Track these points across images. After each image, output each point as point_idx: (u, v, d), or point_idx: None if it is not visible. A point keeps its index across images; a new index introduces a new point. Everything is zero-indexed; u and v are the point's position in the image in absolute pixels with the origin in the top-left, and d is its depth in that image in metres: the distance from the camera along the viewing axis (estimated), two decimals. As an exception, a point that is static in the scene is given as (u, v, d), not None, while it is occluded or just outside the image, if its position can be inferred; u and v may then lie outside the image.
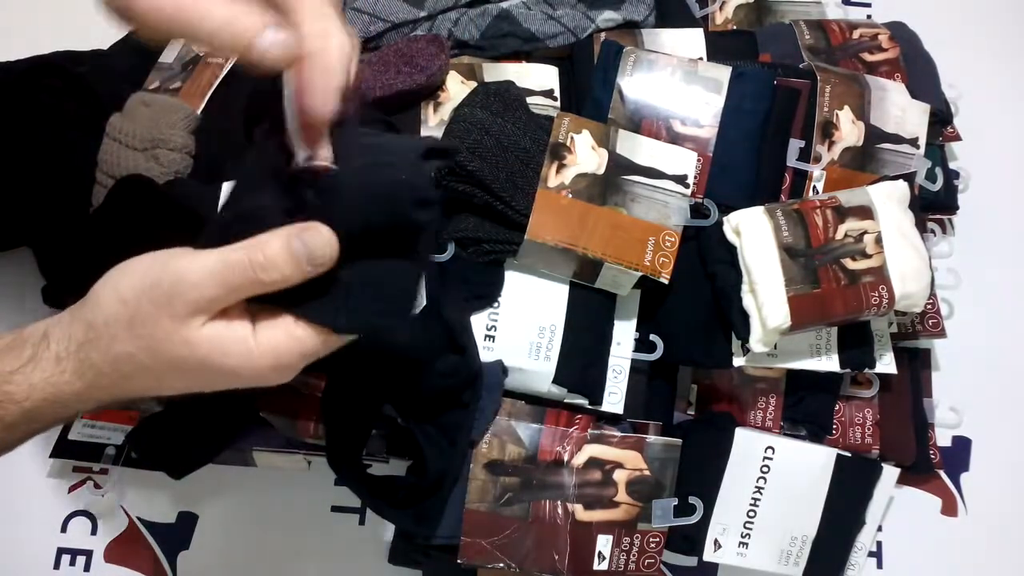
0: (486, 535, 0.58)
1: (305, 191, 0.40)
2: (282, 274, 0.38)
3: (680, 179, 0.61)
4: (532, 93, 0.66)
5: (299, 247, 0.38)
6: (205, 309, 0.38)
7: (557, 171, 0.59)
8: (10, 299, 0.71)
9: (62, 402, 0.39)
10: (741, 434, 0.63)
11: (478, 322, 0.60)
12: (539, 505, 0.59)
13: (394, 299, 0.43)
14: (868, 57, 0.71)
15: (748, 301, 0.60)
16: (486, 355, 0.59)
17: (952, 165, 0.77)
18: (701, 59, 0.69)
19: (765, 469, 0.63)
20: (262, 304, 0.39)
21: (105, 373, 0.39)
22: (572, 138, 0.60)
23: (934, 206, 0.73)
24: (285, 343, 0.39)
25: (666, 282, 0.58)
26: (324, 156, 0.41)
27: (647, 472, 0.59)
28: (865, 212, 0.62)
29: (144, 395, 0.40)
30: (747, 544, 0.64)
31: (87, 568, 0.67)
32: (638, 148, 0.61)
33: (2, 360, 0.39)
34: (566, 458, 0.59)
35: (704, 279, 0.63)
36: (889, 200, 0.62)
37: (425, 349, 0.55)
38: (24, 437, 0.41)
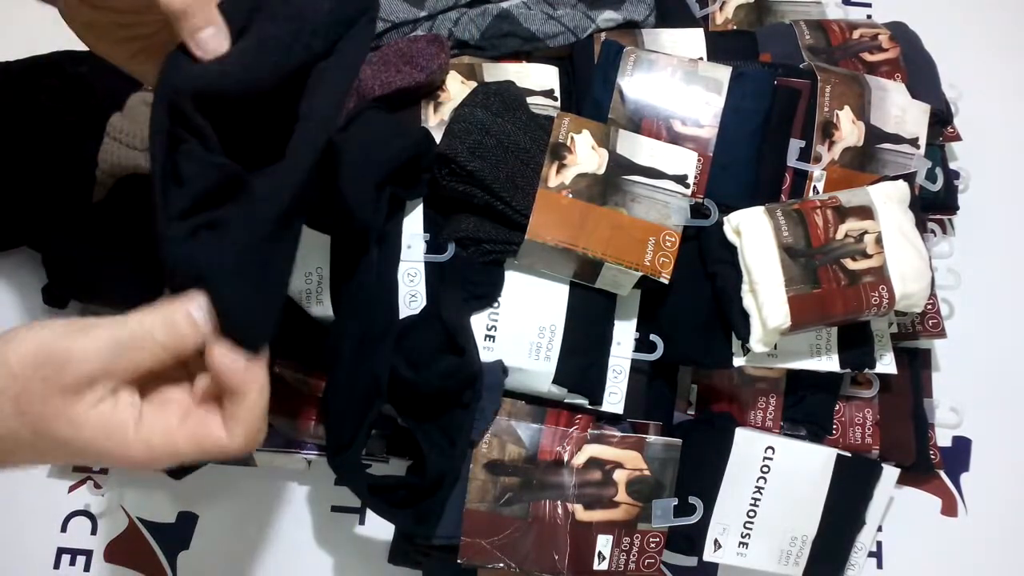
0: (486, 535, 0.58)
1: None
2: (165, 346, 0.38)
3: (680, 179, 0.61)
4: (532, 93, 0.66)
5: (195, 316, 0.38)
6: (93, 386, 0.37)
7: (557, 171, 0.59)
8: (10, 299, 0.71)
9: None
10: (741, 434, 0.63)
11: (478, 322, 0.60)
12: (539, 505, 0.59)
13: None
14: (868, 57, 0.71)
15: (748, 301, 0.60)
16: (486, 355, 0.59)
17: (952, 165, 0.76)
18: (701, 59, 0.69)
19: (765, 469, 0.63)
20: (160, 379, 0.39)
21: None
22: (572, 138, 0.60)
23: (934, 206, 0.73)
24: (160, 441, 0.38)
25: (666, 282, 0.58)
26: None
27: (647, 472, 0.59)
28: (865, 212, 0.62)
29: (20, 466, 0.39)
30: (747, 544, 0.64)
31: (87, 568, 0.67)
32: (638, 148, 0.61)
33: None
34: (566, 458, 0.59)
35: (704, 279, 0.63)
36: (889, 200, 0.62)
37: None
38: None
